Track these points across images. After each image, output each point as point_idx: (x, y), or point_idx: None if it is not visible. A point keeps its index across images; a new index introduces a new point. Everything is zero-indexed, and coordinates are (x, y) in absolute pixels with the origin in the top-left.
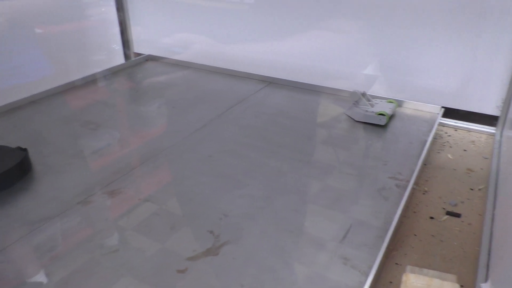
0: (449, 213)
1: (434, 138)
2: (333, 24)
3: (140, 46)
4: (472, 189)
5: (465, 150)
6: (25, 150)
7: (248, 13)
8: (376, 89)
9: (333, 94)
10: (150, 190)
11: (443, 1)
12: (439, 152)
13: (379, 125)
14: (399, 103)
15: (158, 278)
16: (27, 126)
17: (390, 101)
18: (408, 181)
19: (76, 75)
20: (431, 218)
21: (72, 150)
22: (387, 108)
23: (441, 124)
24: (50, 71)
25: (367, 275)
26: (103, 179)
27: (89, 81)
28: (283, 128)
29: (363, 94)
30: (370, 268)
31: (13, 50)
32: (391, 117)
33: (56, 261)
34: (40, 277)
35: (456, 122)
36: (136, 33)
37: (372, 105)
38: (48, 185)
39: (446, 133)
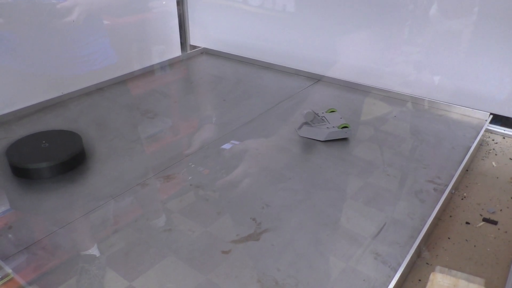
0: (485, 220)
1: (480, 145)
2: (384, 26)
3: (197, 39)
4: None
5: (511, 159)
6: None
7: (302, 11)
8: (423, 92)
9: (380, 94)
10: (200, 177)
11: (497, 8)
12: (483, 159)
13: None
14: (447, 108)
15: (205, 256)
16: (94, 112)
17: (332, 110)
18: (446, 186)
19: (136, 65)
20: (467, 223)
21: (133, 136)
22: (339, 119)
23: (489, 131)
24: (114, 60)
25: (396, 271)
26: (160, 164)
27: (148, 71)
28: None
29: (313, 112)
30: (400, 265)
31: (84, 40)
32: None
33: (117, 234)
34: (104, 247)
35: (505, 130)
36: (193, 26)
37: (323, 120)
38: (112, 166)
39: (493, 140)
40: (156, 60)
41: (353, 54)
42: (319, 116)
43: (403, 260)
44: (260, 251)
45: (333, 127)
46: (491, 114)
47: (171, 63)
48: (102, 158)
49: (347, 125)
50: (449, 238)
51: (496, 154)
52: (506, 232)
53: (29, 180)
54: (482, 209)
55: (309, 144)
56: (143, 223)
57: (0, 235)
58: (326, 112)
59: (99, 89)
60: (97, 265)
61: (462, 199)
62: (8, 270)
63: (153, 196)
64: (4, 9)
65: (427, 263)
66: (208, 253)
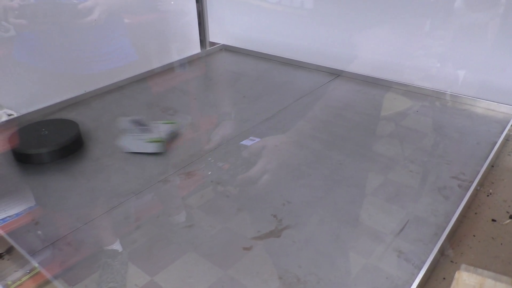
0: None
1: (506, 140)
2: (405, 19)
3: (216, 35)
4: None
5: None
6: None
7: (321, 6)
8: (446, 86)
9: (401, 89)
10: (220, 174)
11: None
12: (509, 155)
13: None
14: (471, 102)
15: (226, 252)
16: (115, 110)
17: (168, 122)
18: (471, 182)
19: (156, 63)
20: (493, 220)
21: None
22: (162, 132)
23: None
24: (134, 58)
25: (419, 269)
26: (181, 161)
27: (168, 69)
28: (348, 122)
29: (135, 120)
30: (423, 262)
31: (105, 38)
32: (174, 137)
33: (139, 230)
34: (126, 243)
35: None
36: (213, 23)
37: (145, 131)
38: (134, 164)
39: None
40: (175, 57)
41: (373, 48)
42: (142, 125)
43: (427, 258)
44: (281, 247)
45: (140, 140)
46: None
47: (191, 60)
48: (124, 155)
49: (158, 140)
50: (474, 235)
51: None
52: None
53: (53, 176)
54: (509, 206)
55: (328, 140)
56: (164, 219)
57: (28, 231)
58: (162, 122)
59: (120, 87)
60: (119, 260)
61: (487, 195)
62: (35, 264)
63: (174, 192)
64: (27, 10)
65: (451, 261)
66: (228, 249)
